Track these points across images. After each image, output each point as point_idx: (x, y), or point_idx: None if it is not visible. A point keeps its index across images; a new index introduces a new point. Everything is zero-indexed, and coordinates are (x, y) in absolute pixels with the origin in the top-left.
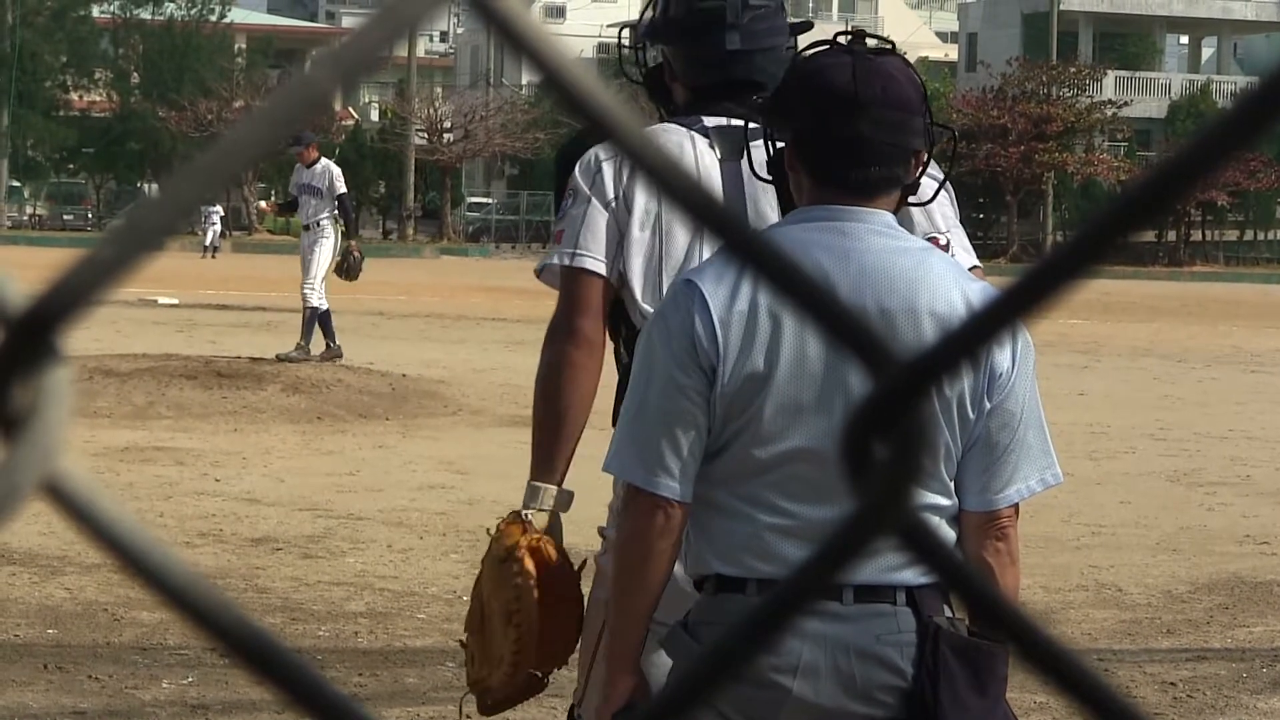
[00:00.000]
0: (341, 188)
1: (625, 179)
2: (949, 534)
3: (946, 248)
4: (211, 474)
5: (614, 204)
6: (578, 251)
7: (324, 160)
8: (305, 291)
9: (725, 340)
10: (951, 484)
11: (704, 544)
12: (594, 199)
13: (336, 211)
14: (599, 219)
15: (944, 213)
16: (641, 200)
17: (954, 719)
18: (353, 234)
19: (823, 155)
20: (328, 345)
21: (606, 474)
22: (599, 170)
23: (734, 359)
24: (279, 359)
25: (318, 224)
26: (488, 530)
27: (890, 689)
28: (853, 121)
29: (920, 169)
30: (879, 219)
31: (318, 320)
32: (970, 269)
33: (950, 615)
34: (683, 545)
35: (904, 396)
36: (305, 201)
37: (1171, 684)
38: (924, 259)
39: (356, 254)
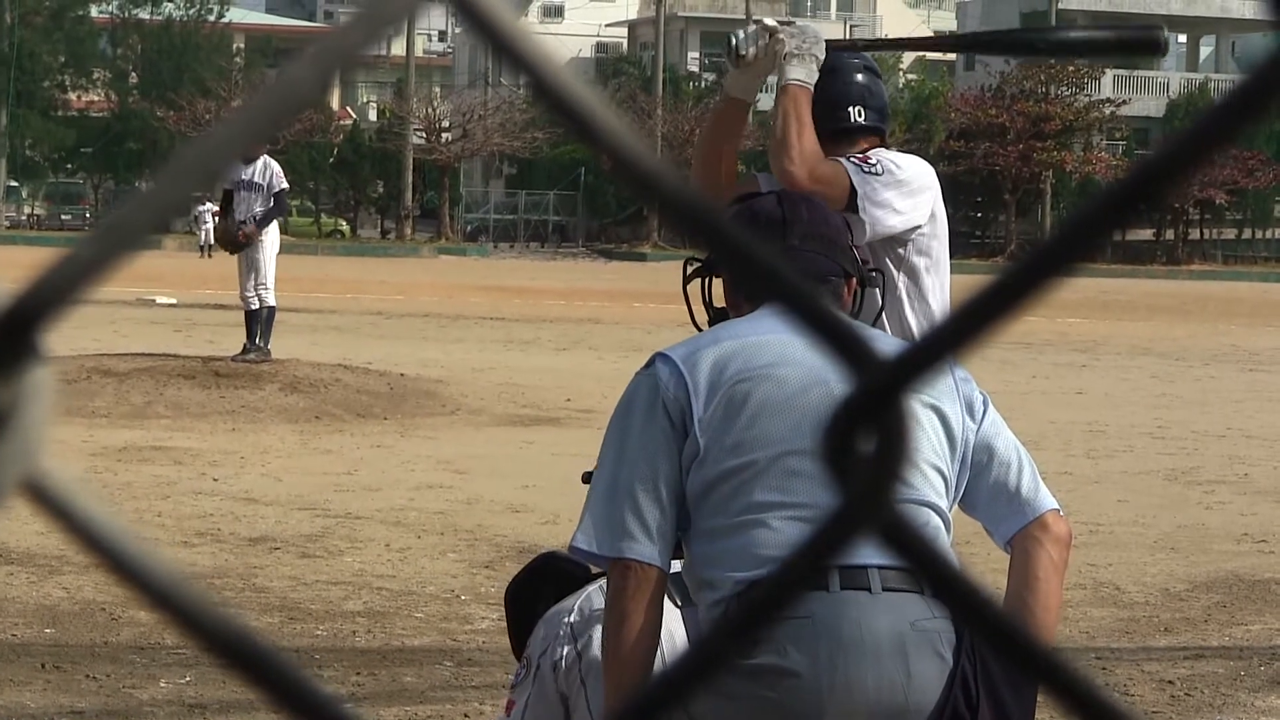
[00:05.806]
0: (281, 184)
1: None
2: (935, 536)
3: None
4: (209, 473)
5: None
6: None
7: (265, 156)
8: (260, 292)
9: (694, 376)
10: (946, 497)
11: (721, 571)
12: None
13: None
14: None
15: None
16: None
17: (995, 704)
18: (263, 225)
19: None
20: (257, 346)
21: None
22: None
23: (705, 388)
24: (234, 361)
25: (254, 219)
26: None
27: (930, 674)
28: (783, 237)
29: (853, 299)
30: None
31: (254, 318)
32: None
33: None
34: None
35: (886, 392)
36: (244, 198)
37: (1169, 682)
38: None
39: (243, 238)
